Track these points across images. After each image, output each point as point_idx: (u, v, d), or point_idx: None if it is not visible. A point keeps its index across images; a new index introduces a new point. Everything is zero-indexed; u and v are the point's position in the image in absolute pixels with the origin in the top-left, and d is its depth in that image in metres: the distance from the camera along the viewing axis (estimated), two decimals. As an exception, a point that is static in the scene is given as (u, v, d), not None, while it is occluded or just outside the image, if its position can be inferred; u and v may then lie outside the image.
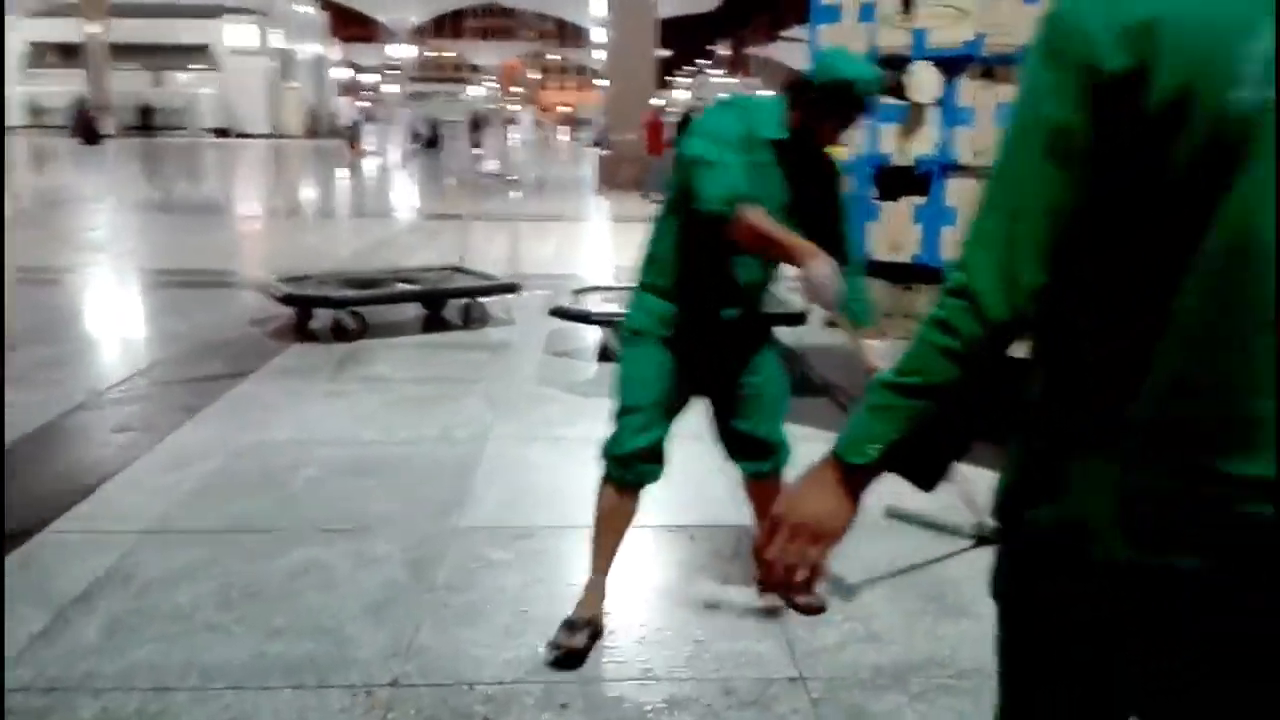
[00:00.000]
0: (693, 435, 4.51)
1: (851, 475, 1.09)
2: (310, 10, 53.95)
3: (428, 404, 4.92)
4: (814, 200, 2.61)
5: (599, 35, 33.22)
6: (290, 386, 5.21)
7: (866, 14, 4.29)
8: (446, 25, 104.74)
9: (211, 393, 5.05)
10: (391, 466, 4.06)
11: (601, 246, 12.00)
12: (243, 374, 5.41)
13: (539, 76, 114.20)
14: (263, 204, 17.93)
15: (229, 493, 3.76)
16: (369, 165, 26.60)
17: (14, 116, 41.90)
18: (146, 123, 41.00)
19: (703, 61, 73.74)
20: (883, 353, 2.57)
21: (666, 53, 57.14)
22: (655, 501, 3.78)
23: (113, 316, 7.48)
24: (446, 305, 6.84)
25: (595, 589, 2.79)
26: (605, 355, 5.84)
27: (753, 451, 2.90)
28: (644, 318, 2.67)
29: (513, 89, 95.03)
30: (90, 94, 36.78)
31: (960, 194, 4.10)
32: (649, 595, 3.07)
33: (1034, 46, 0.99)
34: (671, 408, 2.71)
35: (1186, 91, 0.89)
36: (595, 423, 4.66)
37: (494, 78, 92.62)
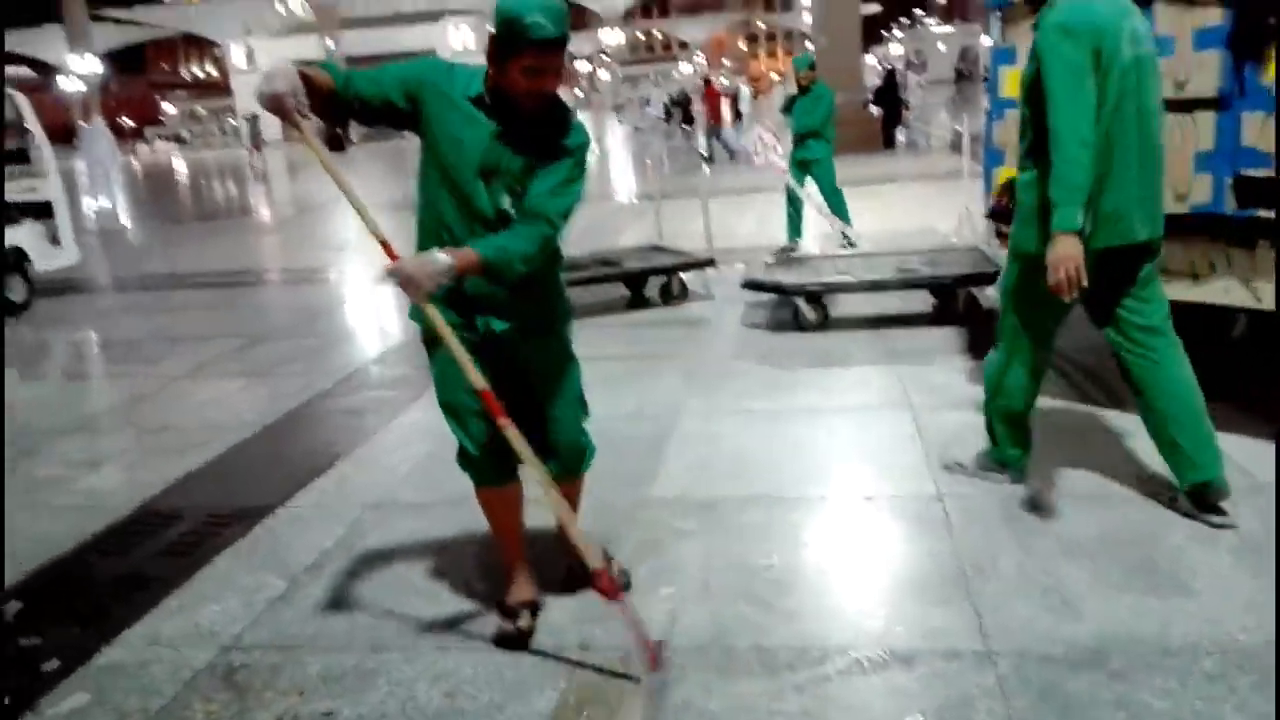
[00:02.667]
0: (889, 404, 4.44)
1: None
2: (524, 5, 56.03)
3: (625, 380, 5.08)
4: (527, 160, 2.39)
5: (805, -2, 32.48)
6: (500, 368, 5.51)
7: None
8: (654, 5, 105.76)
9: (425, 378, 5.41)
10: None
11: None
12: (458, 358, 5.77)
13: (746, 47, 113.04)
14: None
15: (447, 470, 3.99)
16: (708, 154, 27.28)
17: (270, 131, 46.26)
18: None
19: (918, 11, 70.58)
20: (432, 260, 2.29)
21: (875, 8, 54.97)
22: (842, 471, 3.77)
23: (355, 311, 8.18)
24: (646, 283, 7.00)
25: (519, 575, 2.81)
26: (800, 325, 5.80)
27: (558, 452, 2.73)
28: (414, 316, 2.56)
29: (723, 61, 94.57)
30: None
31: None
32: (833, 567, 3.05)
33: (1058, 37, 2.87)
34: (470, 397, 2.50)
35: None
36: (788, 394, 4.70)
37: (702, 52, 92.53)
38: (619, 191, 16.93)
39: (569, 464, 2.76)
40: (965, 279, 5.80)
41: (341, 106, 2.44)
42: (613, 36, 70.78)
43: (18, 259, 8.52)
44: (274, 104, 2.27)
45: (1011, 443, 3.44)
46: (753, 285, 6.04)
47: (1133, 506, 3.21)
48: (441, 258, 2.28)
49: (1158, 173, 3.05)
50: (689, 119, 35.57)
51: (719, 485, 3.67)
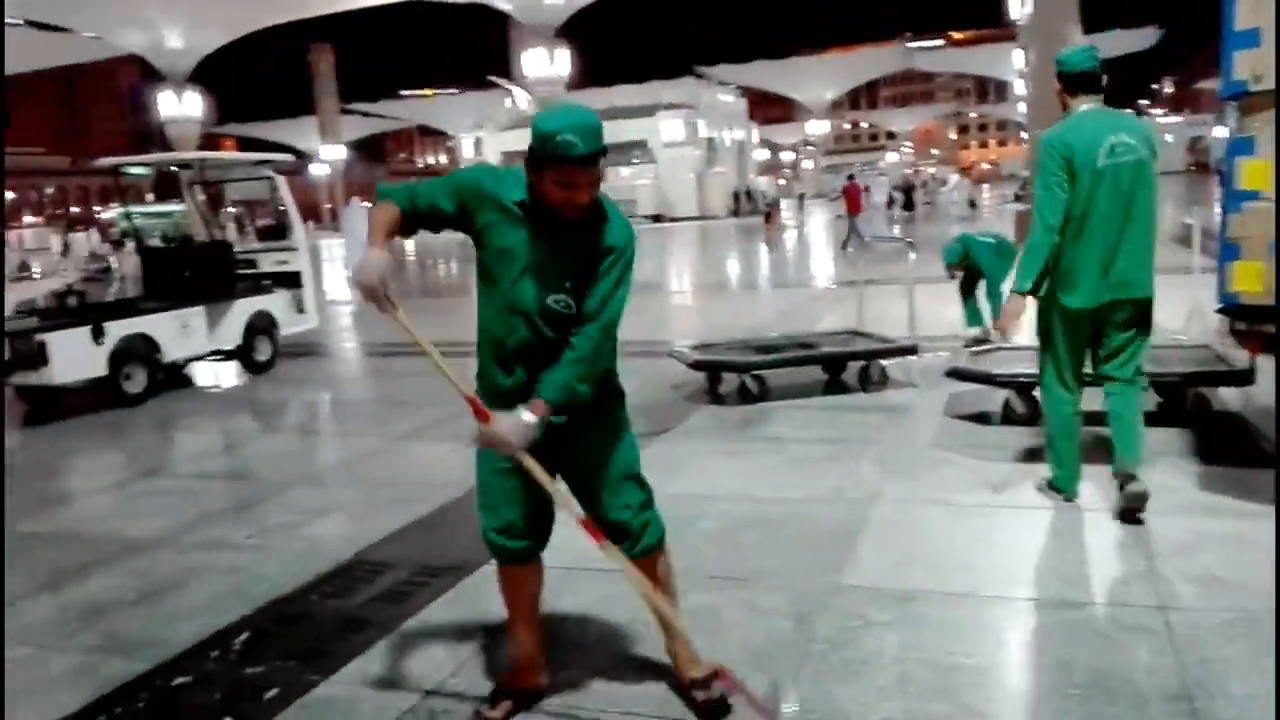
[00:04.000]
0: (1107, 506, 4.18)
1: None
2: (731, 99, 57.59)
3: (821, 464, 5.03)
4: (571, 260, 2.50)
5: (1022, 88, 31.90)
6: (697, 445, 5.60)
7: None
8: (862, 97, 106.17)
9: (629, 450, 5.56)
10: (782, 523, 4.21)
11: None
12: (660, 432, 5.91)
13: (955, 136, 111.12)
14: (689, 279, 19.35)
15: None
16: (786, 239, 27.56)
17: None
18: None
19: (1143, 102, 67.41)
20: (516, 423, 2.44)
21: (1098, 97, 52.85)
22: (1051, 572, 3.57)
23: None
24: (845, 368, 6.93)
25: (523, 657, 2.84)
26: (1009, 418, 5.57)
27: (612, 534, 2.66)
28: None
29: (931, 150, 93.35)
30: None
31: None
32: (1036, 671, 2.88)
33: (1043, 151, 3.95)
34: (522, 485, 2.60)
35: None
36: (996, 489, 4.50)
37: (909, 142, 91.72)
38: (818, 277, 16.91)
39: (640, 540, 2.72)
40: (1193, 377, 5.42)
41: (412, 222, 2.62)
42: (818, 127, 71.46)
43: (267, 323, 9.42)
44: (368, 294, 2.48)
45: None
46: (958, 375, 5.87)
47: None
48: (528, 418, 2.44)
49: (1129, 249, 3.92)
50: (910, 205, 37.16)
51: (916, 577, 3.56)
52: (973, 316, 8.30)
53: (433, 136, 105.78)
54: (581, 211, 2.49)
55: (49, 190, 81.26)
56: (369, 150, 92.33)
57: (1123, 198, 3.86)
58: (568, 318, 2.51)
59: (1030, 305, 4.05)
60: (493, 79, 59.25)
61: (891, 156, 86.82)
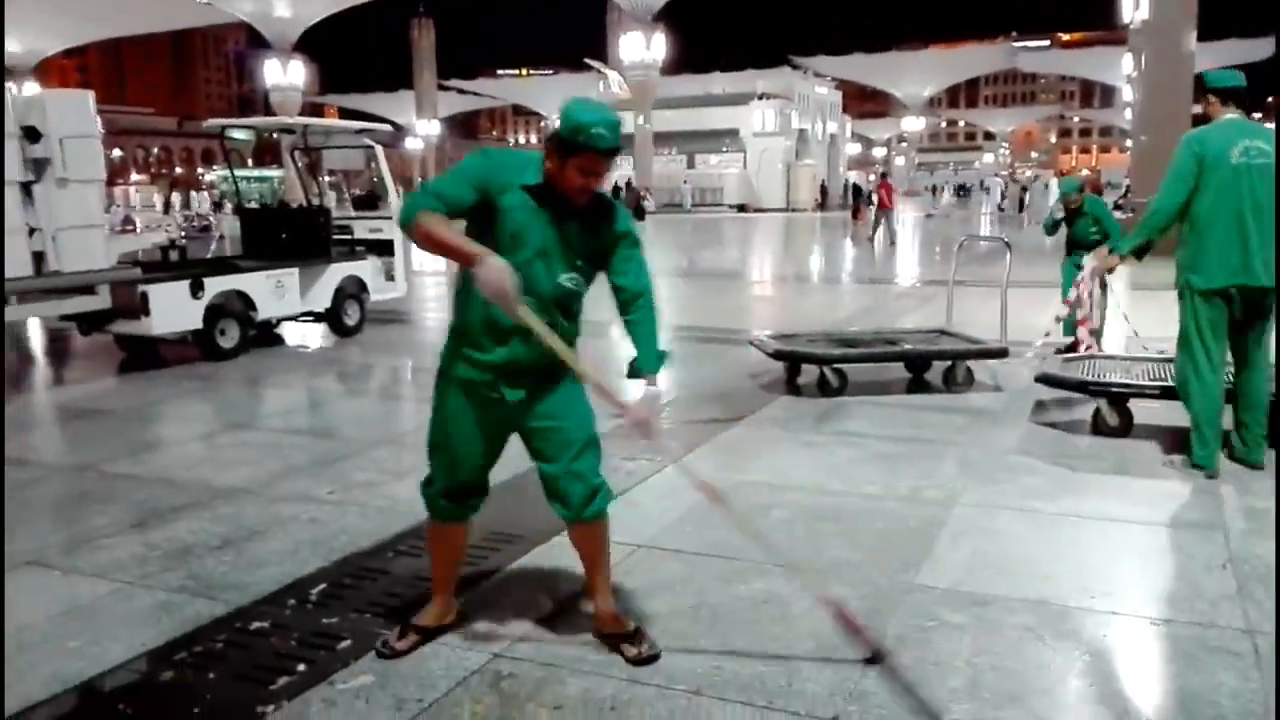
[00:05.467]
0: (1200, 524, 4.03)
1: None
2: (827, 91, 56.84)
3: (899, 461, 4.94)
4: (581, 241, 2.74)
5: (1130, 93, 30.86)
6: (773, 435, 5.56)
7: None
8: (961, 94, 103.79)
9: (707, 434, 5.56)
10: (855, 517, 4.15)
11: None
12: (736, 419, 5.88)
13: (1056, 139, 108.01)
14: (772, 270, 19.20)
15: (709, 522, 4.10)
16: (872, 233, 27.13)
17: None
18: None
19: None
20: (650, 398, 2.76)
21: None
22: (1134, 587, 3.46)
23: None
24: (930, 368, 6.80)
25: (436, 604, 3.10)
26: (1099, 429, 5.39)
27: (558, 494, 2.89)
28: (443, 359, 2.93)
29: (1030, 153, 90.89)
30: (636, 177, 42.27)
31: None
32: (1114, 686, 2.80)
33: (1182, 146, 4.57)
34: (491, 445, 2.93)
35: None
36: (1078, 498, 4.39)
37: (1007, 143, 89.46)
38: (901, 275, 16.61)
39: (589, 505, 2.90)
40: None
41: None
42: (914, 123, 70.14)
43: (357, 288, 9.64)
44: (502, 299, 2.56)
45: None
46: (1049, 381, 5.70)
47: None
48: (653, 391, 2.79)
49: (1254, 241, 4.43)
50: (1022, 207, 37.46)
51: (993, 582, 3.47)
52: (1068, 328, 8.04)
53: (525, 116, 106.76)
54: (589, 198, 2.71)
55: (155, 149, 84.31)
56: (462, 126, 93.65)
57: (1250, 194, 4.42)
58: (577, 295, 2.79)
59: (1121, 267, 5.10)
60: (588, 61, 59.53)
61: (988, 157, 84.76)
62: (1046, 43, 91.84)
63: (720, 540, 3.87)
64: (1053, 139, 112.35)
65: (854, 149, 73.63)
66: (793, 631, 3.08)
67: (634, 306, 2.80)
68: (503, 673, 2.85)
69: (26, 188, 7.02)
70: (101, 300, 7.52)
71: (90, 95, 7.69)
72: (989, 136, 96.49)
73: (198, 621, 3.25)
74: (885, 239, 23.07)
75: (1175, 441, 5.02)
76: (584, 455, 2.87)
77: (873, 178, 57.09)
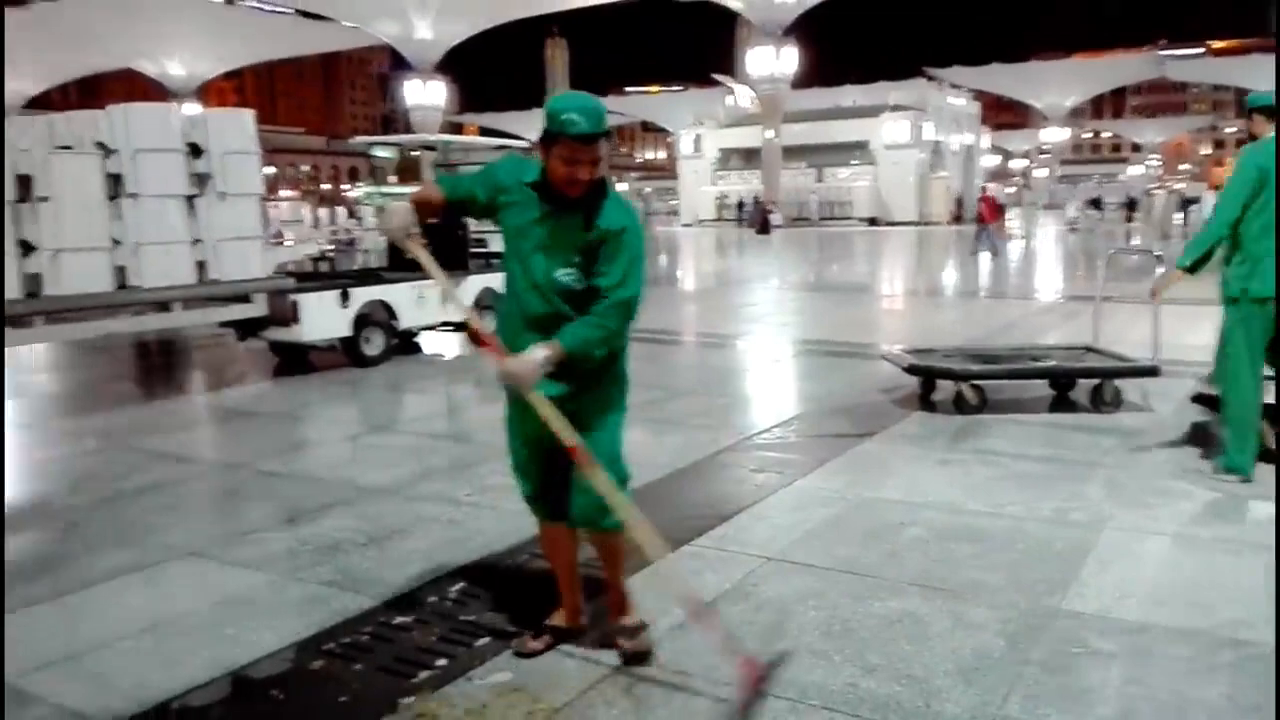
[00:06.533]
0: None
1: None
2: (963, 102, 55.33)
3: (1042, 482, 4.75)
4: (574, 236, 2.73)
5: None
6: (907, 451, 5.43)
7: None
8: (1105, 105, 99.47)
9: (838, 448, 5.48)
10: (995, 538, 4.01)
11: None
12: (867, 435, 5.77)
13: (1210, 151, 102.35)
14: (903, 284, 18.79)
15: (841, 537, 4.05)
16: (1011, 248, 26.23)
17: (705, 210, 49.76)
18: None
19: None
20: (525, 363, 2.66)
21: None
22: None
23: (764, 376, 8.49)
24: (1075, 386, 6.52)
25: (565, 605, 3.14)
26: (1267, 455, 5.06)
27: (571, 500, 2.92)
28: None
29: (1180, 167, 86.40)
30: (764, 191, 42.04)
31: None
32: None
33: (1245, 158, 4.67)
34: (537, 451, 2.92)
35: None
36: (1240, 525, 4.13)
37: (1155, 155, 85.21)
38: (1041, 290, 15.99)
39: (585, 515, 2.93)
40: None
41: (454, 208, 2.99)
42: (1055, 134, 67.61)
43: (493, 299, 9.87)
44: (390, 237, 2.95)
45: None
46: (1204, 401, 5.39)
47: None
48: (538, 354, 2.67)
49: None
50: (1131, 215, 36.34)
51: (1146, 610, 3.30)
52: None
53: (654, 133, 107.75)
54: (583, 189, 2.72)
55: (304, 167, 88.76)
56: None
57: None
58: (579, 293, 2.75)
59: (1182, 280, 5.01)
60: (716, 76, 59.66)
61: (1134, 169, 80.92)
62: (1199, 50, 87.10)
63: (852, 557, 3.81)
64: (1205, 151, 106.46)
65: (992, 160, 71.38)
66: (930, 652, 3.00)
67: (599, 302, 2.71)
68: (636, 678, 2.87)
69: (190, 201, 7.48)
70: (257, 308, 7.94)
71: (250, 114, 8.14)
72: (1136, 148, 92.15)
73: (344, 614, 3.39)
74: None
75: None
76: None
77: (1011, 190, 55.23)
